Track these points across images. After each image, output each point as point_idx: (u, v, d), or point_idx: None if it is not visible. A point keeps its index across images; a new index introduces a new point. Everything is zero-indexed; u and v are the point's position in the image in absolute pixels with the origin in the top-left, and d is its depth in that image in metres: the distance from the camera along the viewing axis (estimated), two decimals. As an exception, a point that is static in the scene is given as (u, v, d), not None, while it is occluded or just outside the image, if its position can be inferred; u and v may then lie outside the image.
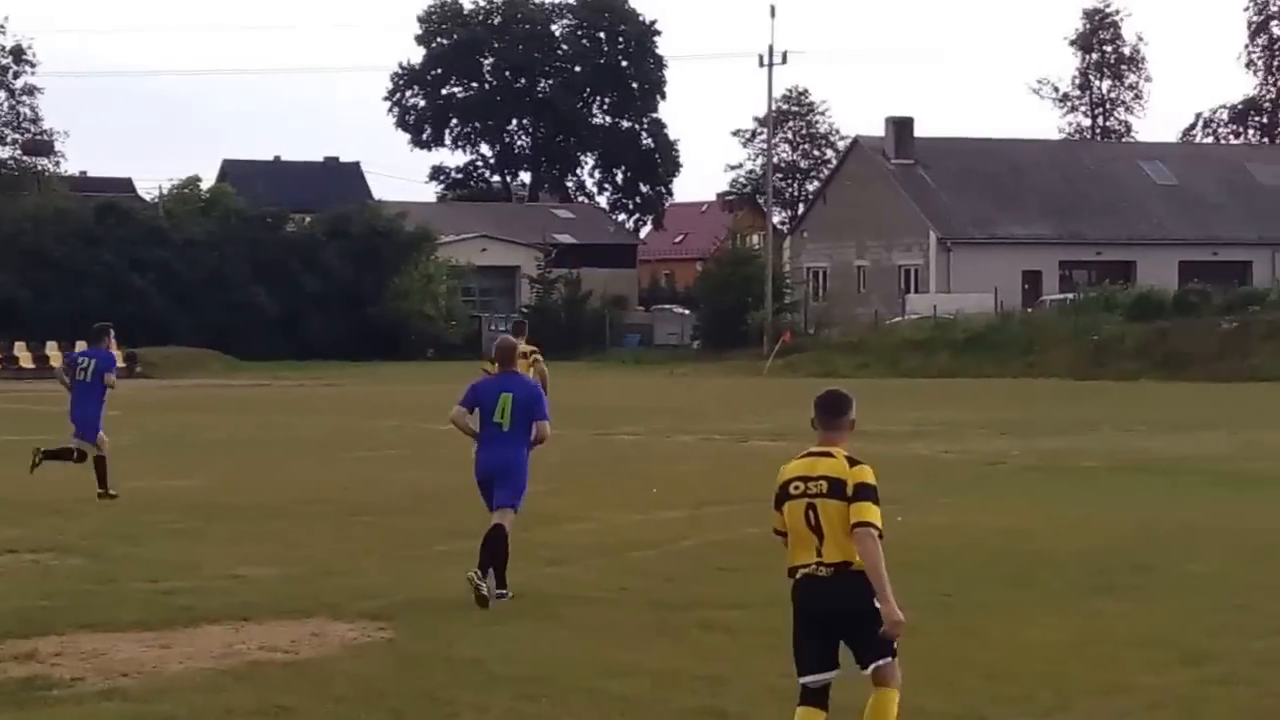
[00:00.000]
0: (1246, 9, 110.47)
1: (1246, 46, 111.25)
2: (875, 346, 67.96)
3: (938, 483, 24.30)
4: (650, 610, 14.62)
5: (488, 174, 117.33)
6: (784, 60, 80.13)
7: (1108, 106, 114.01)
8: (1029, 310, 72.57)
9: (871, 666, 9.24)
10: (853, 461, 9.29)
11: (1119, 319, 64.45)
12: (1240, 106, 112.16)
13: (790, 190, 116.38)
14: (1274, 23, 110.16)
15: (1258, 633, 13.51)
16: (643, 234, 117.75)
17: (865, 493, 9.17)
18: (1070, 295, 73.76)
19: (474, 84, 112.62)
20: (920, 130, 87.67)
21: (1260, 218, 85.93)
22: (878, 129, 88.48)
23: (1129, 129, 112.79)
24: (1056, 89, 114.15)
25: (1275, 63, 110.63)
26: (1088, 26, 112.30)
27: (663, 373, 67.75)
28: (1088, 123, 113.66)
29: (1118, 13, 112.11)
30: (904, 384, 54.48)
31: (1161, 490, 23.70)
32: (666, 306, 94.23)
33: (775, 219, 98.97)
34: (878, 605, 9.13)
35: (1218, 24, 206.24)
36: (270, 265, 78.46)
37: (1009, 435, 33.05)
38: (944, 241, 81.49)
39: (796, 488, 9.30)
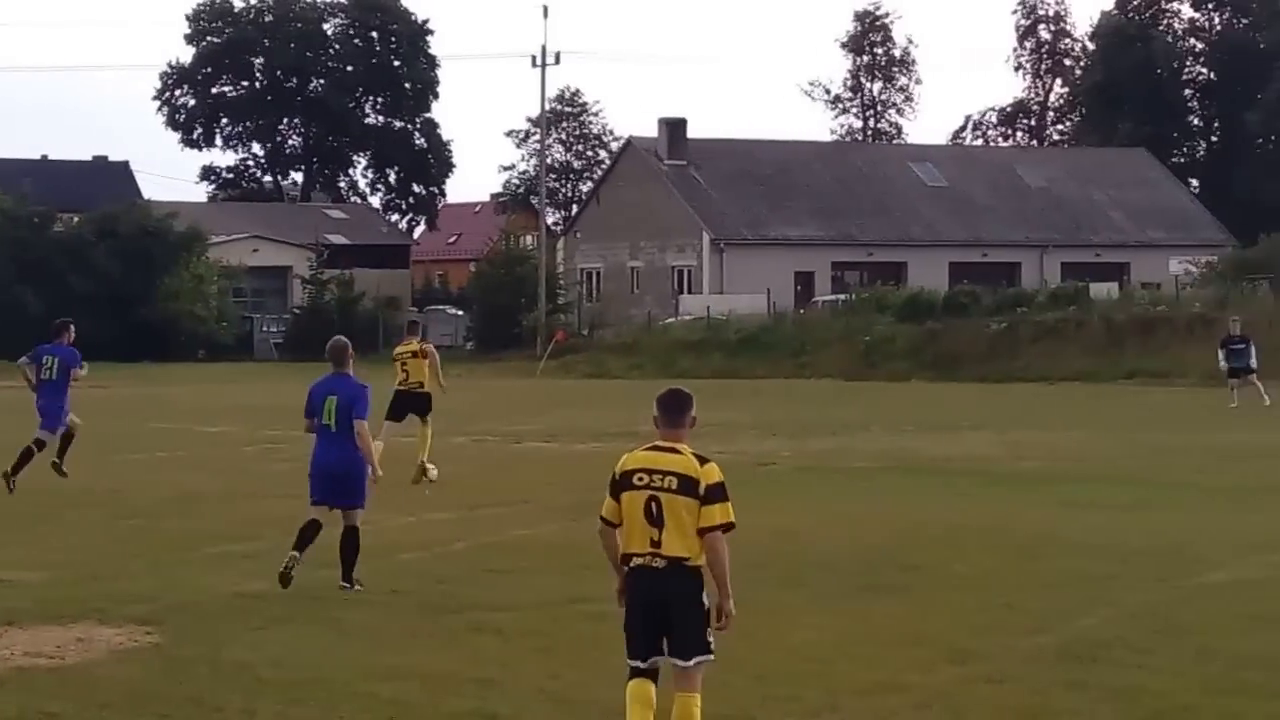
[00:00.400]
0: (1015, 13, 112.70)
1: (1015, 50, 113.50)
2: (649, 347, 68.19)
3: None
4: (421, 613, 14.55)
5: (259, 174, 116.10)
6: (557, 61, 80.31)
7: (879, 109, 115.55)
8: (801, 311, 73.15)
9: (694, 661, 9.52)
10: (701, 460, 9.61)
11: (890, 320, 65.19)
12: (1009, 109, 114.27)
13: (564, 191, 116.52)
14: (1041, 26, 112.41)
15: (1023, 631, 13.74)
16: (416, 234, 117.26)
17: (718, 494, 9.50)
18: (842, 296, 74.49)
19: (245, 83, 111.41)
20: (693, 131, 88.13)
21: (1028, 219, 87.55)
22: (651, 130, 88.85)
23: (900, 131, 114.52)
24: (828, 91, 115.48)
25: (1043, 66, 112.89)
26: (859, 29, 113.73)
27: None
28: (859, 124, 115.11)
29: (888, 15, 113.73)
30: (678, 385, 54.65)
31: (930, 490, 23.99)
32: (440, 307, 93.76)
33: (549, 219, 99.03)
34: (704, 602, 9.54)
35: (987, 27, 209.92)
36: (37, 265, 76.86)
37: (780, 436, 33.30)
38: (717, 242, 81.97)
39: (640, 479, 9.56)
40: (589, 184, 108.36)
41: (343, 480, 15.63)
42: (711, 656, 9.65)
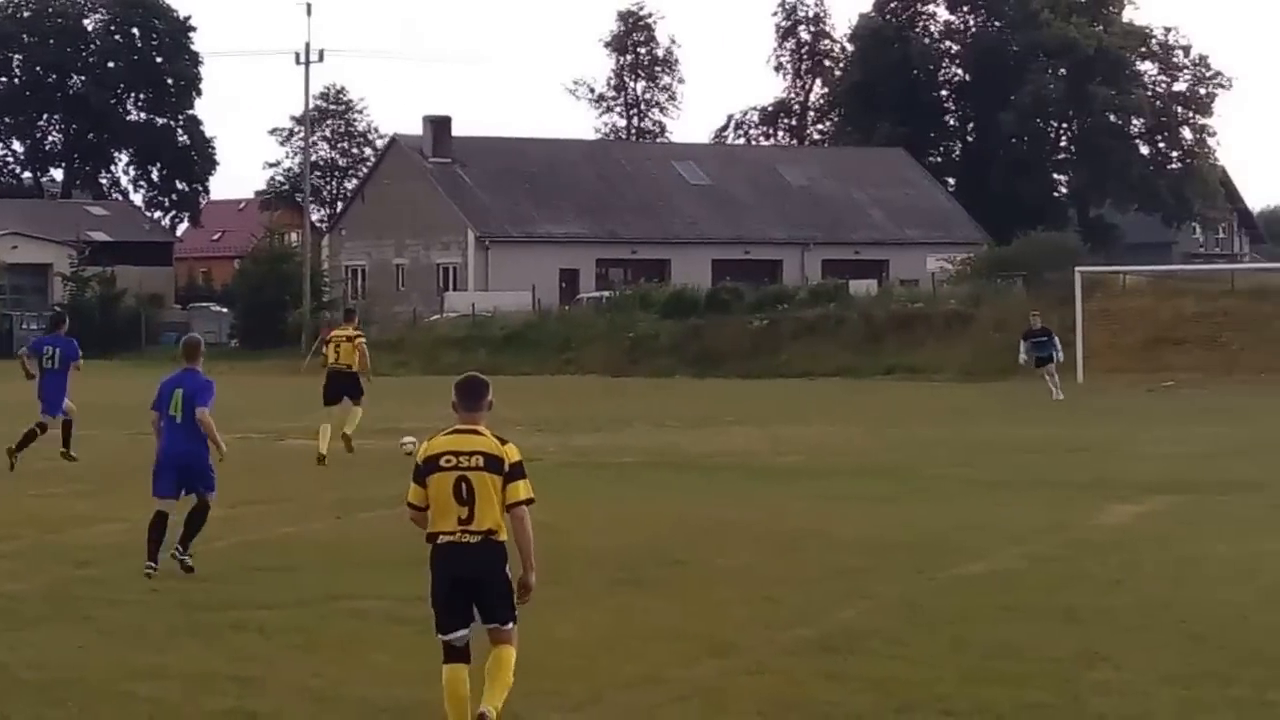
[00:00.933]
0: (775, 14, 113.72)
1: (775, 50, 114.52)
2: (414, 344, 67.96)
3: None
4: (181, 611, 14.39)
5: (18, 170, 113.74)
6: (320, 59, 79.88)
7: (642, 107, 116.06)
8: (566, 308, 73.36)
9: (507, 625, 10.28)
10: (502, 440, 10.27)
11: (654, 317, 65.66)
12: (770, 109, 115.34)
13: (329, 188, 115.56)
14: (801, 27, 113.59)
15: (783, 624, 13.90)
16: (179, 232, 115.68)
17: (520, 471, 10.21)
18: (606, 293, 74.90)
19: (2, 79, 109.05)
20: (459, 129, 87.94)
21: (790, 217, 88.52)
22: (416, 128, 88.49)
23: (663, 130, 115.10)
24: (592, 90, 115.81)
25: (803, 66, 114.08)
26: (622, 29, 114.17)
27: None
28: (623, 123, 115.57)
29: (651, 15, 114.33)
30: (443, 381, 54.35)
31: (694, 485, 24.19)
32: (204, 304, 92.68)
33: (314, 217, 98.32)
34: (508, 573, 10.24)
35: (748, 28, 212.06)
36: None
37: (545, 432, 33.33)
38: (482, 240, 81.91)
39: (448, 461, 10.14)
40: (354, 181, 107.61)
41: (192, 468, 16.38)
42: (514, 624, 10.37)
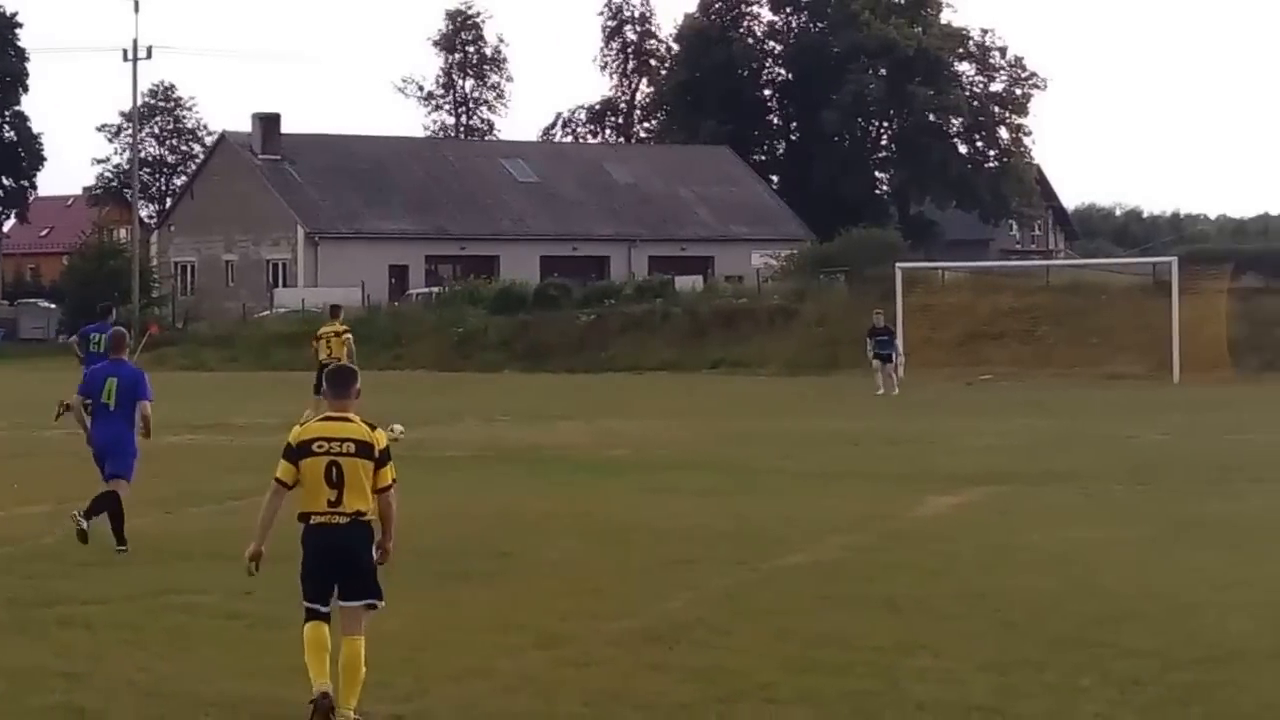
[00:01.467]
0: (601, 14, 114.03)
1: (602, 50, 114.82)
2: (244, 340, 67.55)
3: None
4: (7, 608, 14.31)
5: None
6: (149, 55, 78.99)
7: (471, 105, 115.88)
8: (395, 304, 73.23)
9: (363, 602, 10.77)
10: (371, 427, 10.91)
11: (483, 312, 65.73)
12: (598, 107, 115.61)
13: (158, 185, 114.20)
14: (628, 27, 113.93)
15: (610, 615, 14.04)
16: (6, 228, 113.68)
17: (388, 456, 10.87)
18: (435, 289, 74.83)
19: None
20: (288, 126, 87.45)
21: (617, 214, 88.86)
22: (245, 125, 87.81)
23: (492, 128, 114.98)
24: (421, 88, 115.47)
25: (629, 66, 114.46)
26: (450, 27, 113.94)
27: (26, 367, 65.64)
28: (452, 121, 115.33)
29: (479, 14, 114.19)
30: (274, 377, 54.27)
31: (521, 479, 24.33)
32: (32, 300, 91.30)
33: (143, 213, 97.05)
34: (374, 554, 10.88)
35: (576, 27, 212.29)
36: None
37: (375, 428, 33.19)
38: (312, 236, 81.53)
39: (320, 446, 10.74)
40: (183, 178, 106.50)
41: (111, 451, 17.44)
42: (383, 603, 10.89)
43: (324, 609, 10.84)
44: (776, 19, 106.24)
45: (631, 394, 44.89)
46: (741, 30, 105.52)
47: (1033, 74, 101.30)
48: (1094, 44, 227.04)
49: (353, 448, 10.76)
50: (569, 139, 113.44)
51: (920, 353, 51.15)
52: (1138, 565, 16.35)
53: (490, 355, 60.73)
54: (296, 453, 10.83)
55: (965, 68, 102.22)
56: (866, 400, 41.38)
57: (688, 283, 70.21)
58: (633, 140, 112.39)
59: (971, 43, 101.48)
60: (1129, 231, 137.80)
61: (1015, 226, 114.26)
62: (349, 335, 32.52)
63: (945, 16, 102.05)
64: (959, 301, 57.24)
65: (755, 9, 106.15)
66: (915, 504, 21.20)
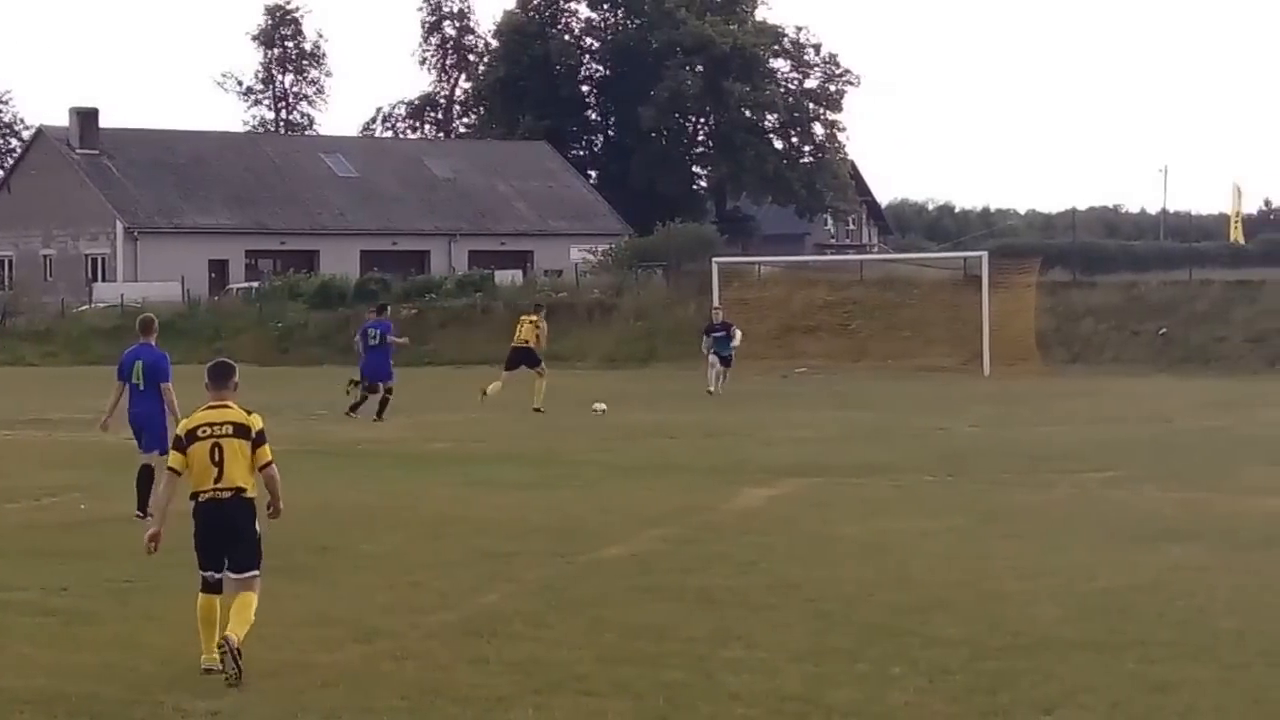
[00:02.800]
0: (420, 9, 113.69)
1: (422, 45, 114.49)
2: (63, 334, 66.77)
3: (121, 471, 24.16)
4: None
5: None
6: (-36, 49, 77.77)
7: (291, 100, 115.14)
8: (216, 298, 72.66)
9: (247, 575, 11.93)
10: (248, 411, 12.14)
11: (303, 307, 65.46)
12: (417, 102, 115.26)
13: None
14: (446, 23, 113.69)
15: (427, 609, 14.11)
16: None
17: (264, 437, 12.12)
18: (256, 284, 74.35)
19: None
20: (106, 121, 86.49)
21: (436, 209, 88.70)
22: (63, 119, 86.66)
23: (312, 122, 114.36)
24: (240, 83, 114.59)
25: (448, 61, 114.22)
26: (269, 22, 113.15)
27: None
28: (271, 116, 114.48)
29: (298, 9, 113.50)
30: (93, 371, 53.52)
31: (341, 472, 24.32)
32: None
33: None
34: (258, 529, 12.07)
35: (395, 23, 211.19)
36: None
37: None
38: (131, 231, 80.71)
39: (204, 431, 11.97)
40: (0, 173, 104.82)
41: (145, 427, 19.29)
42: (259, 573, 12.04)
43: (216, 575, 11.96)
44: (594, 16, 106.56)
45: (452, 388, 44.81)
46: (560, 27, 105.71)
47: (846, 71, 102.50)
48: (906, 41, 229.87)
49: (231, 429, 12.00)
50: (389, 134, 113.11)
51: (738, 346, 51.50)
52: (947, 555, 16.65)
53: (311, 350, 60.47)
54: (185, 441, 12.04)
55: (780, 64, 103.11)
56: (684, 393, 41.67)
57: (507, 277, 70.28)
58: (452, 135, 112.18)
59: (786, 40, 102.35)
60: (941, 226, 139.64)
61: (830, 221, 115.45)
62: (544, 325, 38.20)
63: (760, 14, 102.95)
64: (775, 295, 57.76)
65: (573, 5, 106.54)
66: (731, 496, 21.42)
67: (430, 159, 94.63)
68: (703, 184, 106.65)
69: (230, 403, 12.19)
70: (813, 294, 57.91)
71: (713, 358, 42.86)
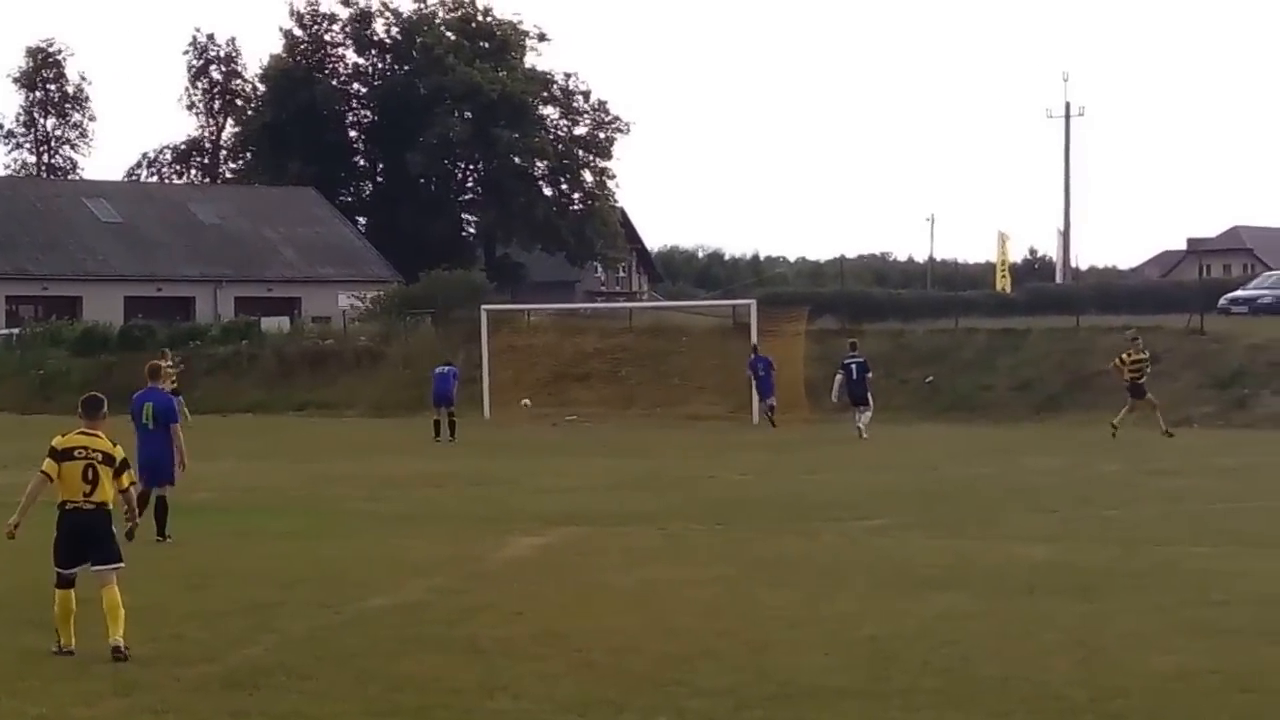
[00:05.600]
0: (187, 53, 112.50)
1: (188, 89, 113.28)
2: None
3: None
4: None
5: None
6: None
7: (53, 144, 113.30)
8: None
9: (109, 567, 14.29)
10: (114, 443, 14.66)
11: (65, 353, 64.35)
12: (183, 147, 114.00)
13: None
14: (213, 67, 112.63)
15: (189, 661, 13.87)
16: None
17: (126, 465, 14.80)
18: (16, 330, 72.90)
19: None
20: None
21: (202, 255, 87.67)
22: None
23: (75, 166, 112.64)
24: (1, 126, 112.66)
25: (216, 105, 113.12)
26: (31, 65, 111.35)
27: None
28: (33, 160, 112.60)
29: (60, 52, 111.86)
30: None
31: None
32: None
33: None
34: (114, 530, 14.55)
35: (161, 66, 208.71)
36: None
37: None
38: (-126, 275, 78.94)
39: (80, 453, 14.45)
40: None
41: (157, 465, 21.49)
42: (123, 564, 14.48)
43: (71, 577, 14.31)
44: (362, 61, 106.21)
45: (216, 436, 44.23)
46: (327, 72, 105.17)
47: (616, 118, 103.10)
48: (675, 89, 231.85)
49: (101, 457, 14.45)
50: (154, 179, 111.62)
51: (507, 393, 51.56)
52: (714, 604, 16.71)
53: (73, 397, 58.71)
54: (60, 455, 14.47)
55: (550, 111, 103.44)
56: (450, 442, 41.61)
57: (273, 324, 69.62)
58: (219, 180, 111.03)
59: (556, 87, 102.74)
60: (711, 274, 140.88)
61: (600, 269, 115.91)
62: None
63: (530, 60, 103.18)
64: (544, 343, 57.86)
65: (340, 51, 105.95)
66: (499, 545, 21.34)
67: (196, 204, 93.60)
68: (472, 231, 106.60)
69: (100, 432, 14.67)
70: (582, 341, 58.09)
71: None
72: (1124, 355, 40.73)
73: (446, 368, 44.48)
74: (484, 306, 56.62)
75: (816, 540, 21.84)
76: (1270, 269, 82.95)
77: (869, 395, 42.53)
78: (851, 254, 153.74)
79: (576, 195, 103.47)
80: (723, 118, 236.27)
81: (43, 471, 14.52)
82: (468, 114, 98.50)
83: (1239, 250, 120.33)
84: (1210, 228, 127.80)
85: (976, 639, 14.63)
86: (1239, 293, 67.78)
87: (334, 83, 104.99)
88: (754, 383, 48.93)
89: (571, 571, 19.01)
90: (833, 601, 16.76)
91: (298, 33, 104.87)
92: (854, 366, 42.77)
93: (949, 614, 15.98)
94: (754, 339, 49.97)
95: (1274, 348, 47.79)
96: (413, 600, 17.03)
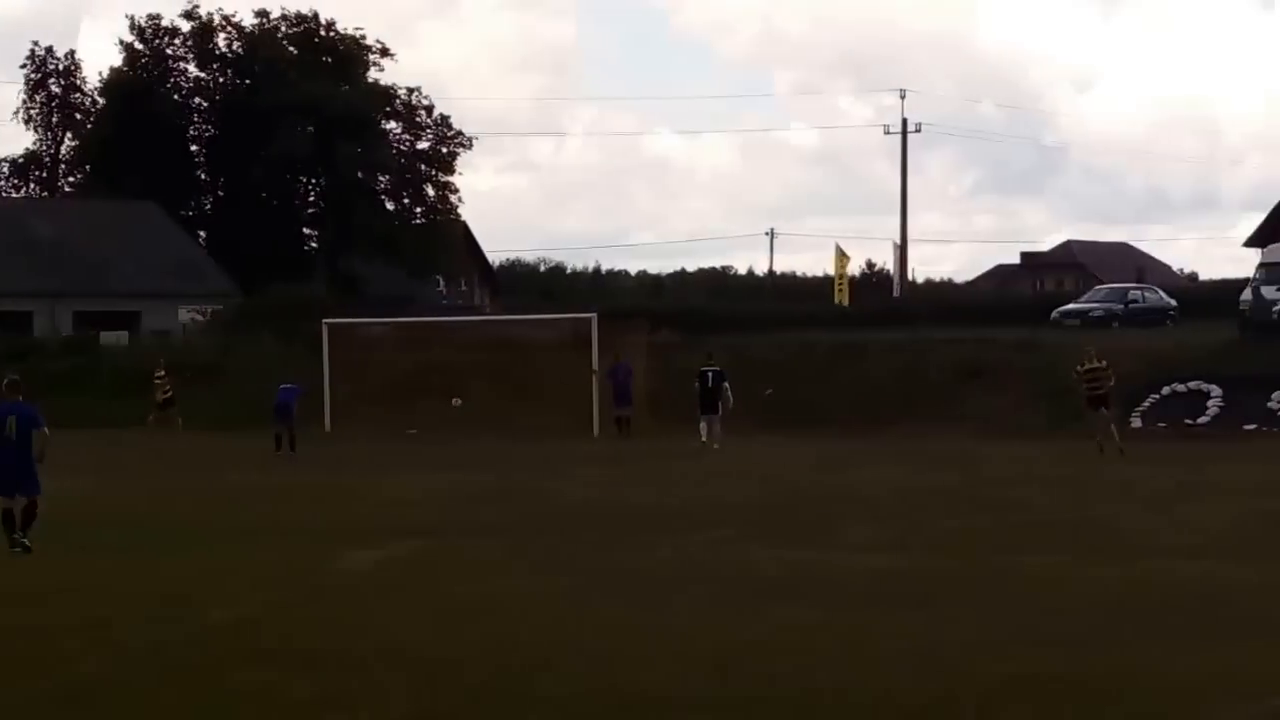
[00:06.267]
0: (24, 66, 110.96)
1: (25, 102, 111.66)
2: None
3: None
4: None
5: None
6: None
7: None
8: None
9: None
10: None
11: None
12: (21, 160, 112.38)
13: None
14: (52, 80, 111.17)
15: (24, 677, 13.68)
16: None
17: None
18: None
19: None
20: None
21: (40, 270, 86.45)
22: None
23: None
24: None
25: (54, 119, 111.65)
26: None
27: None
28: None
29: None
30: None
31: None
32: None
33: None
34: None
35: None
36: None
37: None
38: None
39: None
40: None
41: (21, 476, 21.95)
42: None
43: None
44: (203, 75, 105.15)
45: (56, 451, 43.57)
46: (168, 85, 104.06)
47: (459, 133, 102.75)
48: (514, 103, 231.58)
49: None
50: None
51: (349, 407, 51.28)
52: (555, 616, 16.73)
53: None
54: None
55: (393, 126, 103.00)
56: (291, 456, 41.42)
57: (112, 338, 68.80)
58: (57, 195, 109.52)
59: (399, 102, 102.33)
60: (553, 288, 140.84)
61: (442, 283, 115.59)
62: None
63: (373, 75, 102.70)
64: (386, 357, 57.59)
65: (181, 65, 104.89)
66: (339, 559, 21.26)
67: (34, 218, 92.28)
68: (314, 245, 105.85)
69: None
70: (424, 355, 57.88)
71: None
72: (1078, 367, 40.47)
73: (291, 385, 44.73)
74: (325, 320, 56.30)
75: (657, 552, 21.93)
76: (1101, 283, 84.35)
77: (720, 405, 43.05)
78: (692, 268, 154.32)
79: (419, 210, 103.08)
80: (561, 131, 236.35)
81: None
82: (310, 128, 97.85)
83: (1071, 265, 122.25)
84: (1043, 243, 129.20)
85: (817, 649, 14.75)
86: (1071, 306, 69.03)
87: (175, 96, 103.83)
88: (613, 389, 49.38)
89: (412, 584, 18.98)
90: (674, 613, 16.83)
91: (139, 46, 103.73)
92: (710, 375, 43.46)
93: (790, 624, 16.10)
94: (598, 349, 50.15)
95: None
96: (251, 614, 16.93)
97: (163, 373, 52.71)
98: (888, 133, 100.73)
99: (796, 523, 25.39)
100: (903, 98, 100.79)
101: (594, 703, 12.66)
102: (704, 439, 42.31)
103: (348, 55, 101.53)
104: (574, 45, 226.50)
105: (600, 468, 37.20)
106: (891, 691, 12.90)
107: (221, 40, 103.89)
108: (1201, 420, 46.93)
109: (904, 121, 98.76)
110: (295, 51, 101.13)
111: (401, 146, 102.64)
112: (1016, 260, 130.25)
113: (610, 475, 35.20)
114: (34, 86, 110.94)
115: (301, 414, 44.95)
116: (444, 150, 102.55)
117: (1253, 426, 45.74)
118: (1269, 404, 46.62)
